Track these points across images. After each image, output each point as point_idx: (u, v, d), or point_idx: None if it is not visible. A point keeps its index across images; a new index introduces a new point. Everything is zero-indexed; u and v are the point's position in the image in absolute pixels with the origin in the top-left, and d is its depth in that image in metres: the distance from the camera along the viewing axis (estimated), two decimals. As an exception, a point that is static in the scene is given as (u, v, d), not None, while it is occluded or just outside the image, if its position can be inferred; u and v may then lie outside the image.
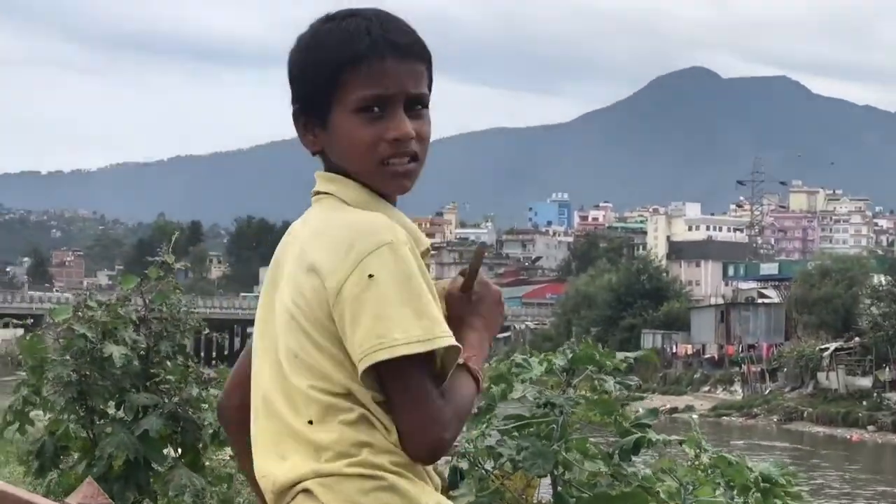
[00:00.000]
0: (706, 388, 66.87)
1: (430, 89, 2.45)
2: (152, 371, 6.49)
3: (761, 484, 3.90)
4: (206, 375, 6.70)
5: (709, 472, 3.99)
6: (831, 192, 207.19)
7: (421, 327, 2.25)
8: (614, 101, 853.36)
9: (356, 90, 2.35)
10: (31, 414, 6.92)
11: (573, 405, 4.12)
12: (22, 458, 7.15)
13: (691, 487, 3.93)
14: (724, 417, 57.57)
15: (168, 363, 6.54)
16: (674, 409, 60.35)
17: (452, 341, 2.28)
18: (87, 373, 6.37)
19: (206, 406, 6.50)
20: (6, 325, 9.69)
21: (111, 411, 6.54)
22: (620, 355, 4.23)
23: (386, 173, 2.37)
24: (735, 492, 3.97)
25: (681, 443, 4.09)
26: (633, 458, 4.15)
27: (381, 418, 2.28)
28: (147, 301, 6.62)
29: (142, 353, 6.51)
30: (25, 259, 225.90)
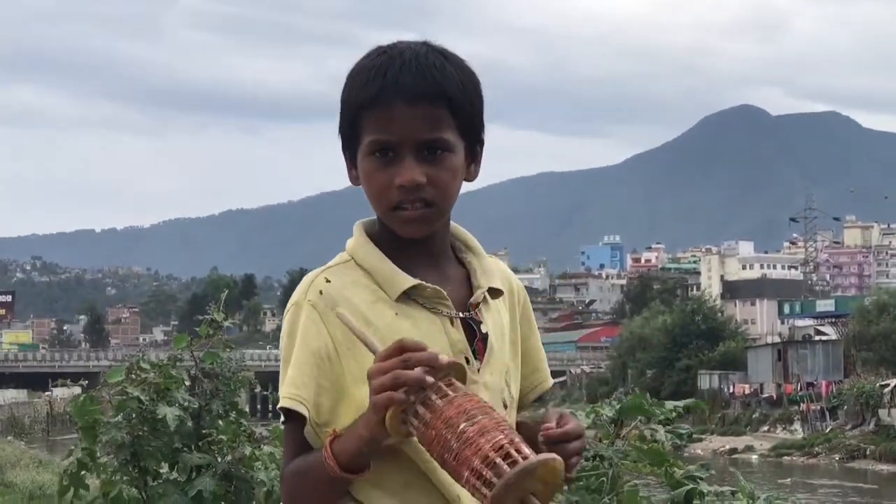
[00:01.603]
0: (765, 428, 66.20)
1: (467, 130, 2.40)
2: (204, 431, 6.48)
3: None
4: (258, 434, 6.69)
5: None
6: (885, 226, 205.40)
7: (284, 385, 2.33)
8: (663, 142, 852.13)
9: (369, 134, 2.36)
10: (86, 478, 6.93)
11: (622, 457, 4.07)
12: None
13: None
14: (785, 457, 56.91)
15: (220, 422, 6.53)
16: (733, 450, 59.85)
17: (287, 404, 2.31)
18: (140, 434, 6.38)
19: (260, 465, 6.49)
20: (64, 385, 9.74)
21: (164, 472, 6.54)
22: (669, 405, 4.17)
23: (397, 218, 2.37)
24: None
25: (733, 493, 4.03)
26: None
27: None
28: (198, 360, 6.62)
29: (194, 412, 6.51)
30: (81, 317, 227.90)
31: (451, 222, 2.51)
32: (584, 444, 2.26)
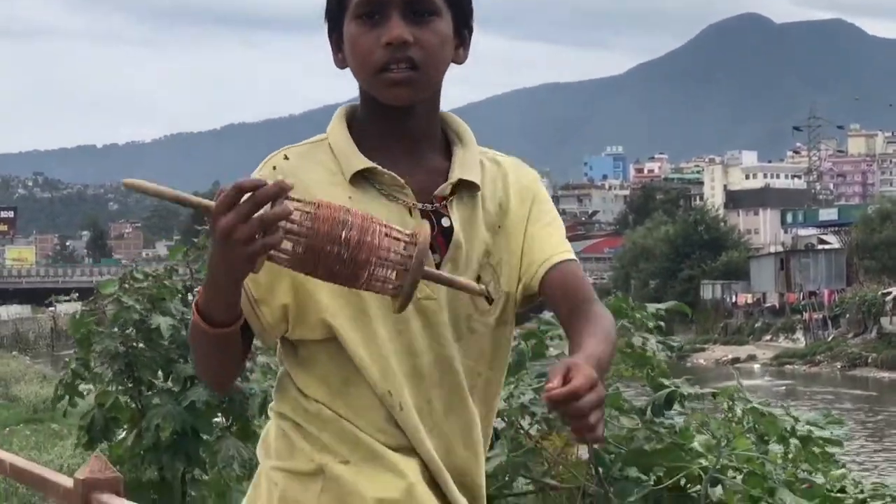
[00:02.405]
0: (768, 337, 66.45)
1: (455, 3, 2.35)
2: (199, 341, 6.46)
3: (797, 433, 3.82)
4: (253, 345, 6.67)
5: (743, 424, 3.90)
6: (890, 133, 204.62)
7: None
8: (666, 51, 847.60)
9: None
10: (82, 388, 6.94)
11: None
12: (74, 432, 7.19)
13: (726, 441, 3.85)
14: (787, 366, 57.18)
15: (214, 332, 6.50)
16: (736, 360, 60.07)
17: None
18: (135, 344, 6.37)
19: (254, 375, 6.48)
20: (69, 300, 9.72)
21: (159, 382, 6.54)
22: (651, 307, 4.13)
23: (382, 81, 2.28)
24: (771, 443, 3.89)
25: (714, 395, 4.01)
26: (671, 413, 4.07)
27: None
28: (193, 271, 6.59)
29: (188, 323, 6.48)
30: (84, 233, 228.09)
31: (446, 111, 2.45)
32: (600, 396, 2.00)
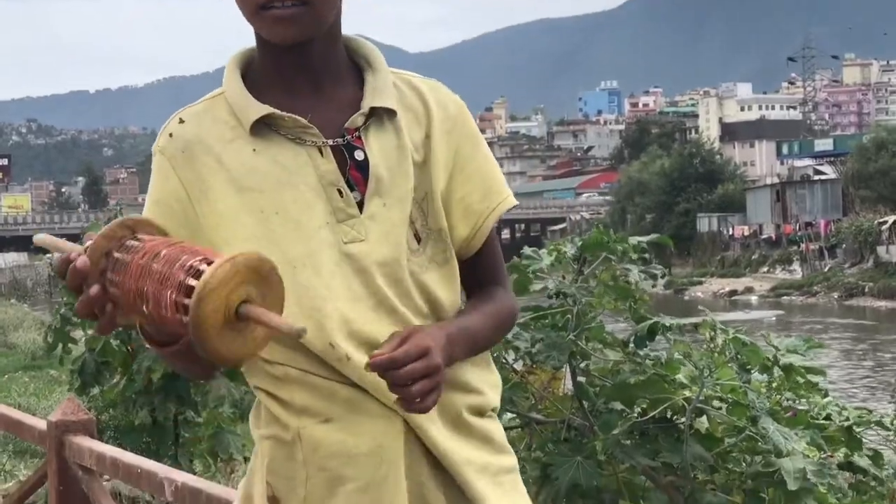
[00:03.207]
0: (765, 269, 66.60)
1: None
2: (187, 283, 6.47)
3: (780, 362, 3.83)
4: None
5: (725, 354, 3.91)
6: (885, 62, 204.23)
7: None
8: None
9: None
10: (73, 334, 6.96)
11: (586, 294, 4.02)
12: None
13: (708, 371, 3.85)
14: (785, 297, 57.37)
15: (203, 274, 6.51)
16: (733, 292, 60.32)
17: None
18: (122, 287, 6.36)
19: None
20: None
21: (149, 326, 6.54)
22: (633, 240, 4.11)
23: (265, 19, 2.08)
24: (752, 373, 3.90)
25: (695, 326, 4.01)
26: (657, 345, 4.08)
27: None
28: (178, 213, 6.58)
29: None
30: (79, 179, 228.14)
31: (351, 36, 2.24)
32: (429, 366, 1.91)
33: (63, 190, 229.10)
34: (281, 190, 2.08)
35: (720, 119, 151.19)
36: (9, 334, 24.24)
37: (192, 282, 1.72)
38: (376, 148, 2.13)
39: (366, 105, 2.14)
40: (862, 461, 4.45)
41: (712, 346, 4.02)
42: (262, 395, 2.15)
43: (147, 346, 2.03)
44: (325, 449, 2.09)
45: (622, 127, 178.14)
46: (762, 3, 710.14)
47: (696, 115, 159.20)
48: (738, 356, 3.85)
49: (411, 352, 1.91)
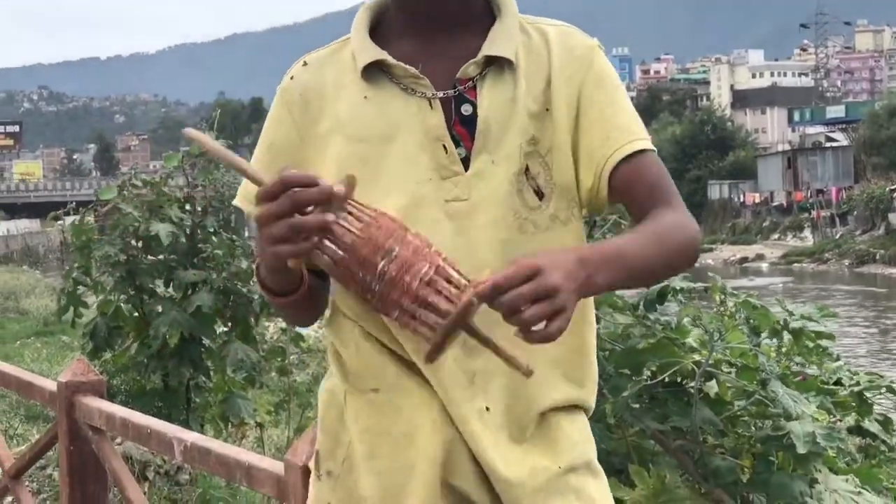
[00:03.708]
0: (776, 236, 66.48)
1: None
2: (199, 247, 6.49)
3: (790, 326, 3.83)
4: (253, 249, 6.68)
5: (736, 317, 3.90)
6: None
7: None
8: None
9: None
10: (86, 298, 6.96)
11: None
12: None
13: (718, 335, 3.85)
14: (796, 264, 57.25)
15: (214, 238, 6.52)
16: (744, 259, 60.19)
17: (237, 202, 2.12)
18: (135, 252, 6.38)
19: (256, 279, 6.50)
20: (74, 212, 9.74)
21: (160, 290, 6.56)
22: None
23: None
24: (763, 336, 3.90)
25: (705, 289, 3.99)
26: (668, 308, 4.07)
27: None
28: (190, 178, 6.59)
29: (188, 230, 6.50)
30: (91, 146, 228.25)
31: None
32: (539, 288, 1.72)
33: (74, 157, 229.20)
34: (385, 141, 2.00)
35: (731, 86, 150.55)
36: (21, 300, 24.30)
37: (443, 284, 1.77)
38: (487, 101, 2.01)
39: (481, 54, 2.02)
40: (872, 426, 4.46)
41: (722, 309, 4.01)
42: (330, 348, 2.12)
43: (262, 293, 2.03)
44: (363, 421, 2.05)
45: (633, 94, 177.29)
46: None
47: (707, 83, 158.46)
48: (749, 320, 3.85)
49: (516, 274, 1.73)
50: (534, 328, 1.73)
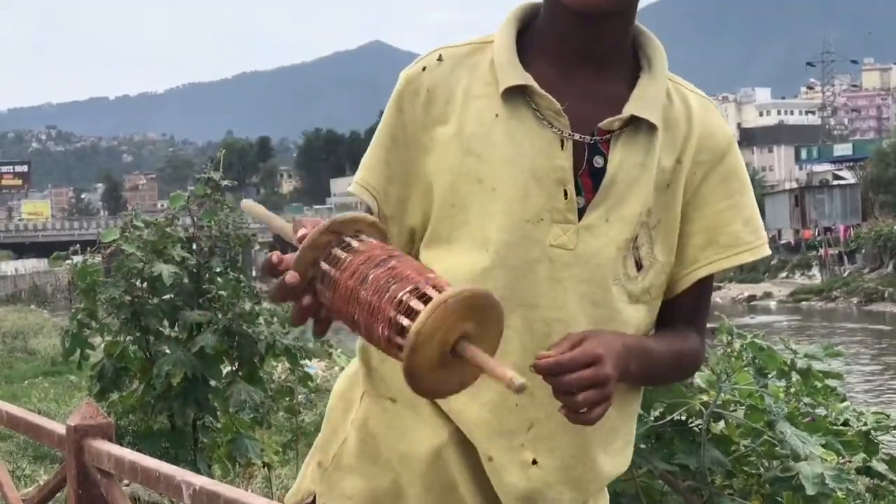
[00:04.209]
0: (784, 275, 66.37)
1: None
2: (204, 287, 6.48)
3: (797, 367, 3.82)
4: (258, 289, 6.69)
5: (743, 358, 3.89)
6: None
7: (359, 168, 2.09)
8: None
9: None
10: (92, 340, 6.96)
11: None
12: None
13: (726, 376, 3.83)
14: (804, 302, 57.13)
15: (219, 279, 6.52)
16: (752, 297, 60.09)
17: (354, 190, 2.04)
18: (140, 293, 6.38)
19: (261, 320, 6.50)
20: (80, 252, 9.75)
21: (165, 330, 6.55)
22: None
23: None
24: (770, 377, 3.89)
25: (712, 330, 3.98)
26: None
27: None
28: (195, 219, 6.59)
29: (193, 270, 6.49)
30: (99, 185, 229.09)
31: (643, 29, 2.05)
32: (597, 377, 1.73)
33: (83, 196, 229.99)
34: (506, 167, 1.92)
35: (739, 124, 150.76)
36: (29, 340, 24.34)
37: (403, 321, 1.60)
38: (619, 158, 1.93)
39: (628, 111, 1.94)
40: (880, 466, 4.43)
41: (729, 350, 4.00)
42: (359, 346, 2.08)
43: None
44: (372, 425, 2.04)
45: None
46: (780, 7, 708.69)
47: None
48: (755, 360, 3.84)
49: (580, 358, 1.75)
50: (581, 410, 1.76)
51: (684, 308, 2.04)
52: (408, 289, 1.62)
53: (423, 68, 2.00)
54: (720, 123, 2.06)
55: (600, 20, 1.93)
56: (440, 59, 2.00)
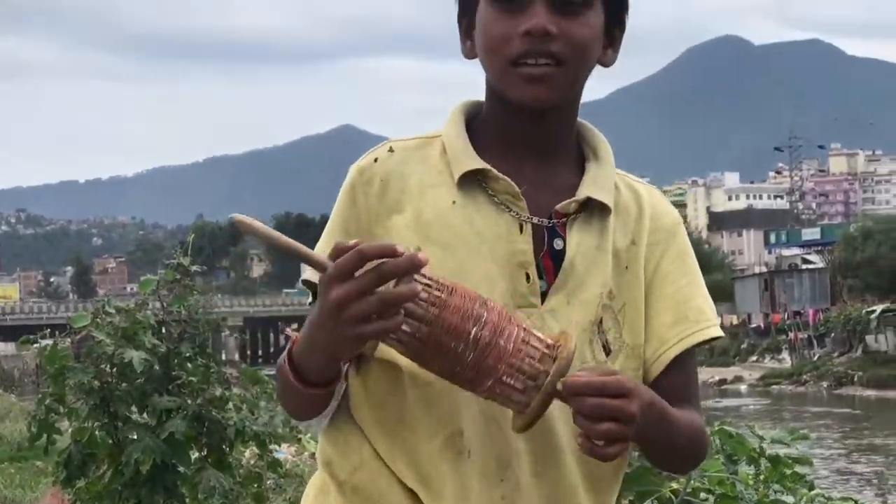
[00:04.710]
0: (754, 358, 66.54)
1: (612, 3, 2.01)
2: (174, 374, 6.45)
3: (766, 453, 3.83)
4: (227, 375, 6.67)
5: (712, 445, 3.90)
6: (870, 152, 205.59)
7: None
8: (647, 74, 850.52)
9: None
10: (59, 425, 6.91)
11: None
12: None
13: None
14: (774, 386, 57.21)
15: (189, 365, 6.50)
16: (722, 381, 60.12)
17: (308, 275, 1.95)
18: (109, 379, 6.35)
19: (231, 406, 6.47)
20: (50, 336, 9.68)
21: (134, 416, 6.51)
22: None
23: (515, 76, 1.94)
24: (740, 464, 3.90)
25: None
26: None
27: None
28: (165, 304, 6.58)
29: (162, 356, 6.47)
30: (68, 268, 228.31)
31: (584, 122, 2.10)
32: (627, 412, 1.73)
33: (52, 280, 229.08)
34: (468, 255, 1.94)
35: (708, 208, 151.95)
36: (-5, 425, 24.07)
37: (535, 342, 1.74)
38: (576, 241, 1.97)
39: (583, 193, 2.00)
40: (847, 551, 4.43)
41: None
42: (322, 451, 2.04)
43: (288, 379, 1.85)
44: (360, 495, 1.97)
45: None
46: (749, 93, 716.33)
47: (684, 205, 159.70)
48: (725, 447, 3.85)
49: (611, 385, 1.75)
50: (598, 442, 1.75)
51: (675, 390, 2.02)
52: (535, 346, 1.75)
53: (375, 159, 2.02)
54: (667, 205, 2.13)
55: (544, 114, 1.98)
56: (391, 150, 2.02)
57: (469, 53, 2.05)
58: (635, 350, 2.01)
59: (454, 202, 1.96)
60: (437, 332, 1.70)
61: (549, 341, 1.76)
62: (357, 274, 1.67)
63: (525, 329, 1.75)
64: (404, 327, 1.69)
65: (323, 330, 1.72)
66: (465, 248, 1.94)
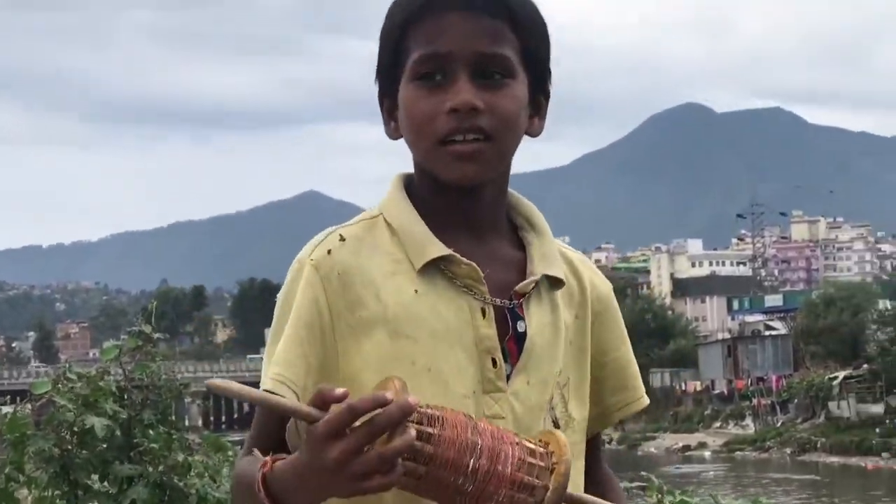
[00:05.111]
0: (718, 424, 66.63)
1: (532, 62, 1.98)
2: (136, 441, 6.42)
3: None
4: (190, 442, 6.63)
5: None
6: (832, 220, 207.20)
7: (269, 363, 1.90)
8: (610, 141, 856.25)
9: (416, 50, 1.93)
10: (20, 493, 6.85)
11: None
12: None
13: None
14: (738, 452, 57.31)
15: (151, 432, 6.46)
16: (686, 447, 60.21)
17: (270, 385, 1.85)
18: (70, 446, 6.30)
19: (193, 472, 6.43)
20: (10, 402, 9.61)
21: (96, 485, 6.46)
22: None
23: (444, 155, 1.91)
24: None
25: (643, 489, 3.99)
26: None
27: None
28: (126, 371, 6.55)
29: (124, 423, 6.43)
30: (30, 334, 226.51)
31: (512, 191, 2.07)
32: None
33: (13, 345, 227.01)
34: (438, 346, 1.90)
35: (671, 274, 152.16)
36: (-47, 493, 23.78)
37: (531, 459, 1.74)
38: (536, 321, 1.96)
39: (539, 271, 1.97)
40: None
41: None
42: None
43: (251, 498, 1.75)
44: None
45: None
46: (711, 159, 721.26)
47: (647, 271, 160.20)
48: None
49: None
50: None
51: (597, 447, 2.10)
52: (519, 455, 1.74)
53: (329, 252, 1.94)
54: (602, 278, 2.14)
55: (477, 190, 1.96)
56: (342, 238, 1.96)
57: (394, 134, 2.01)
58: (581, 423, 2.02)
59: (416, 291, 1.92)
60: (434, 470, 1.69)
61: (541, 449, 1.77)
62: (351, 427, 1.63)
63: (518, 444, 1.75)
64: (407, 462, 1.67)
65: (318, 480, 1.67)
66: (433, 339, 1.90)
